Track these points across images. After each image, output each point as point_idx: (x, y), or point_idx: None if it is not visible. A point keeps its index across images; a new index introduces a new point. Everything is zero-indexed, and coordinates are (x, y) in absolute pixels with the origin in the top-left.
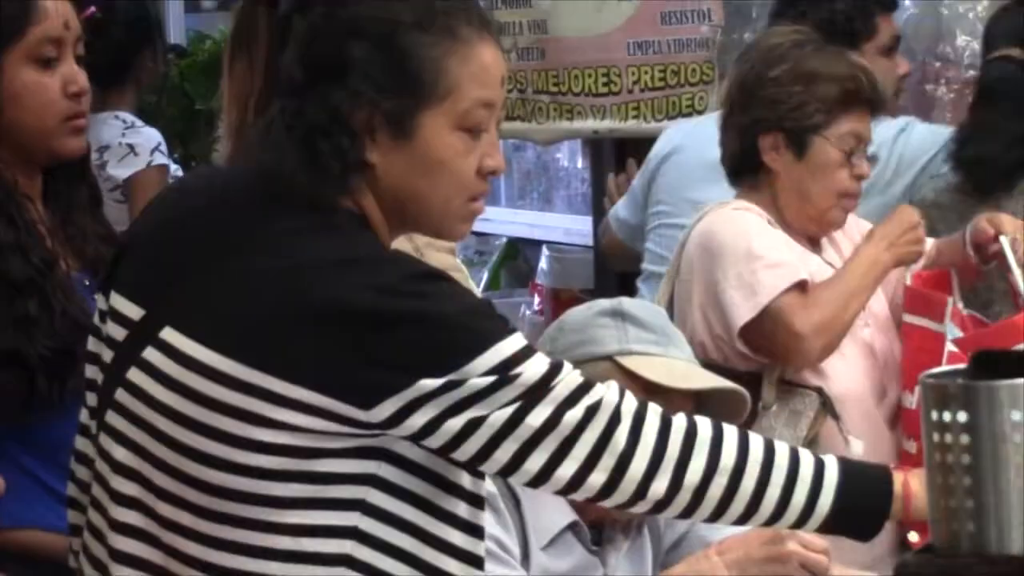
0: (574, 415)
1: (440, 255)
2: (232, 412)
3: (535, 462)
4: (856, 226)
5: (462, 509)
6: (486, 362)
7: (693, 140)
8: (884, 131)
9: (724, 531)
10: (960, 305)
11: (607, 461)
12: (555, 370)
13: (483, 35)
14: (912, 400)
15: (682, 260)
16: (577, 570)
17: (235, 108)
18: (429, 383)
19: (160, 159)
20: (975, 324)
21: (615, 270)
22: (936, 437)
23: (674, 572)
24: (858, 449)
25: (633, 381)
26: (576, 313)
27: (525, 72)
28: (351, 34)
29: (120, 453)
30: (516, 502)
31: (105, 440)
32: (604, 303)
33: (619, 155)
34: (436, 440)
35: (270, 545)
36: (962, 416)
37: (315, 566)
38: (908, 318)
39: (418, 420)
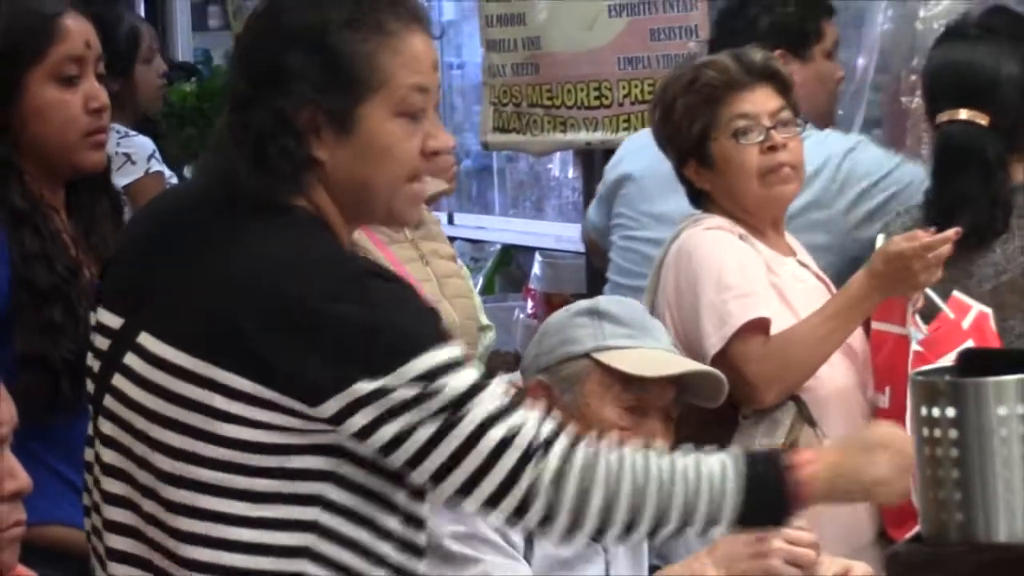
0: (494, 435)
1: (443, 262)
2: (195, 407)
3: (456, 478)
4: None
5: (400, 498)
6: (416, 368)
7: (651, 151)
8: (834, 145)
9: None
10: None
11: (522, 485)
12: (478, 388)
13: (411, 25)
14: (884, 400)
15: (660, 277)
16: (580, 558)
17: None
18: (364, 386)
19: (156, 166)
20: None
21: (599, 267)
22: (926, 432)
23: (669, 572)
24: None
25: (610, 374)
26: (556, 316)
27: (520, 86)
28: (285, 42)
29: (108, 455)
30: None
31: (97, 445)
32: (582, 304)
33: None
34: (372, 444)
35: (236, 538)
36: (950, 411)
37: (277, 558)
38: (876, 325)
39: (358, 421)
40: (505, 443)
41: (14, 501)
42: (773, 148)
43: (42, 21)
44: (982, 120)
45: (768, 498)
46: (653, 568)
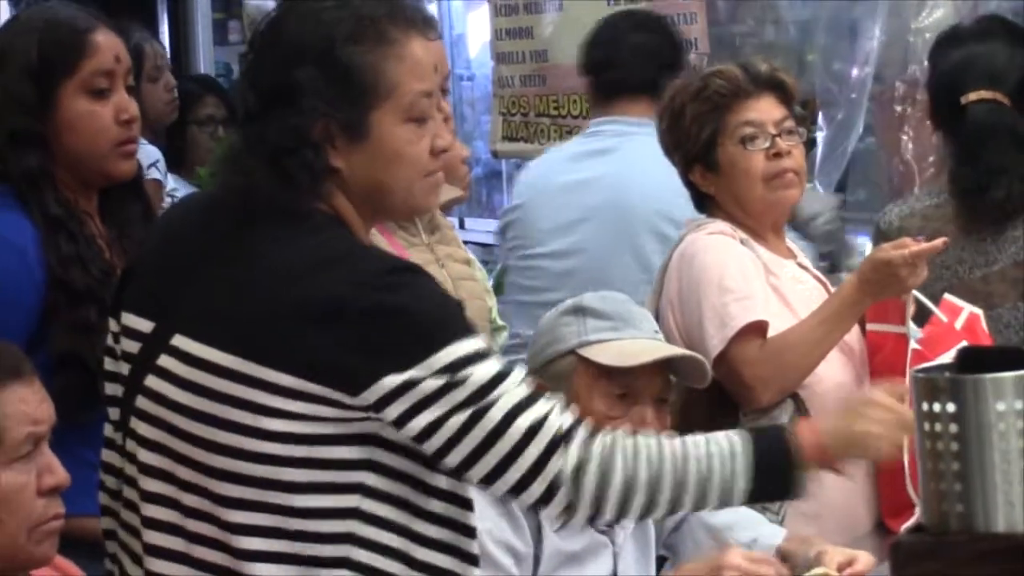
0: (521, 424)
1: (457, 265)
2: (239, 404)
3: (485, 465)
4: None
5: (443, 482)
6: (442, 359)
7: (536, 173)
8: None
9: (720, 515)
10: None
11: (548, 474)
12: (502, 376)
13: (410, 32)
14: None
15: (664, 279)
16: (588, 549)
17: None
18: (393, 379)
19: (155, 174)
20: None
21: None
22: (927, 426)
23: None
24: None
25: (595, 368)
26: (546, 316)
27: (528, 97)
28: (293, 58)
29: (144, 455)
30: None
31: (131, 445)
32: (568, 303)
33: None
34: (407, 433)
35: (282, 526)
36: (951, 407)
37: (322, 544)
38: (872, 326)
39: (393, 411)
40: (532, 432)
41: (52, 495)
42: (778, 154)
43: (74, 36)
44: (1005, 101)
45: (776, 470)
46: (661, 560)
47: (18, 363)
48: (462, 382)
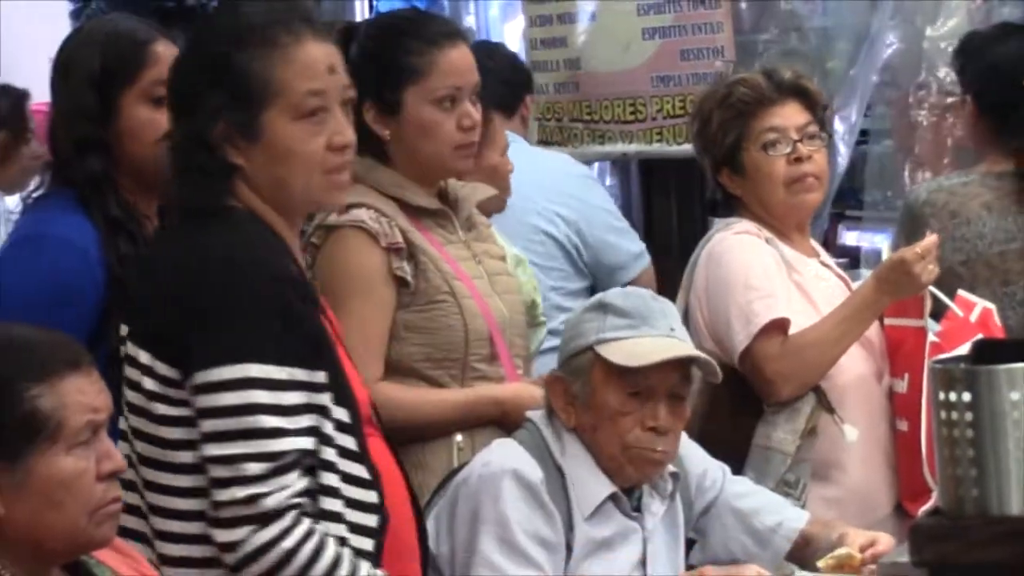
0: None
1: (493, 261)
2: (147, 393)
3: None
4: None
5: None
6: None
7: None
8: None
9: (746, 500)
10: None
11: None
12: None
13: (302, 36)
14: (903, 385)
15: (693, 277)
16: (618, 535)
17: None
18: (194, 378)
19: None
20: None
21: None
22: (943, 415)
23: None
24: (852, 436)
25: (609, 365)
26: (575, 311)
27: (562, 103)
28: (196, 70)
29: (125, 446)
30: (562, 478)
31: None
32: (595, 298)
33: (643, 174)
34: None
35: (174, 507)
36: (966, 396)
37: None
38: (889, 321)
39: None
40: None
41: (110, 480)
42: (799, 159)
43: (135, 47)
44: None
45: None
46: (691, 542)
47: (77, 355)
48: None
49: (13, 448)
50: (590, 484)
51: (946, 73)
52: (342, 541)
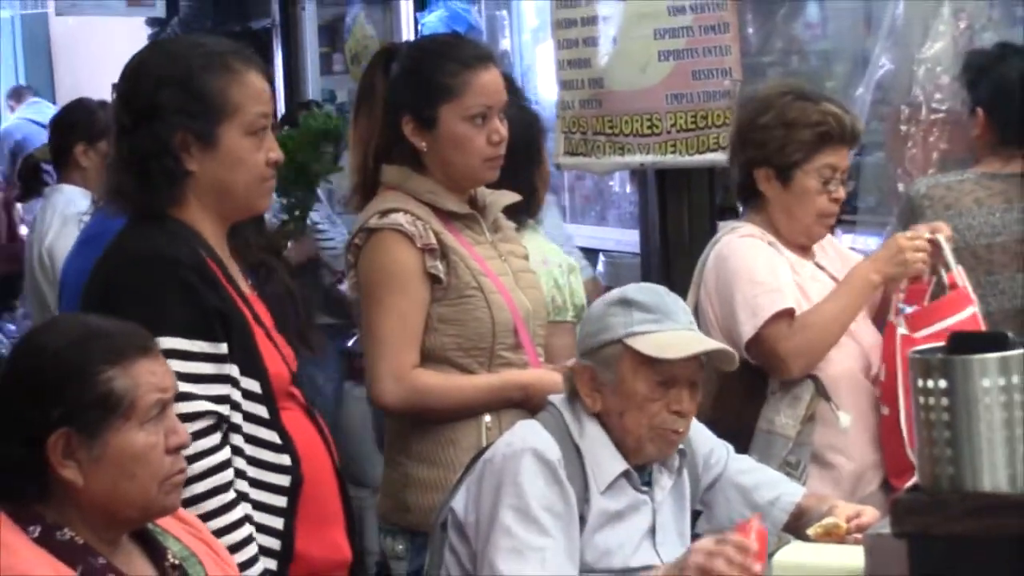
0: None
1: (517, 260)
2: None
3: None
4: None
5: None
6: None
7: None
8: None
9: (747, 476)
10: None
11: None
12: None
13: (250, 66)
14: (883, 374)
15: (704, 276)
16: (630, 507)
17: (358, 150)
18: None
19: None
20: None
21: None
22: (922, 400)
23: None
24: (846, 422)
25: (639, 356)
26: (595, 305)
27: (586, 118)
28: (158, 84)
29: None
30: (579, 456)
31: None
32: (615, 293)
33: (659, 182)
34: None
35: None
36: (943, 383)
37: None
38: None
39: None
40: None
41: (177, 453)
42: (836, 200)
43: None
44: None
45: None
46: (696, 513)
47: (146, 341)
48: None
49: (92, 425)
50: (605, 461)
51: (932, 91)
52: (244, 496)
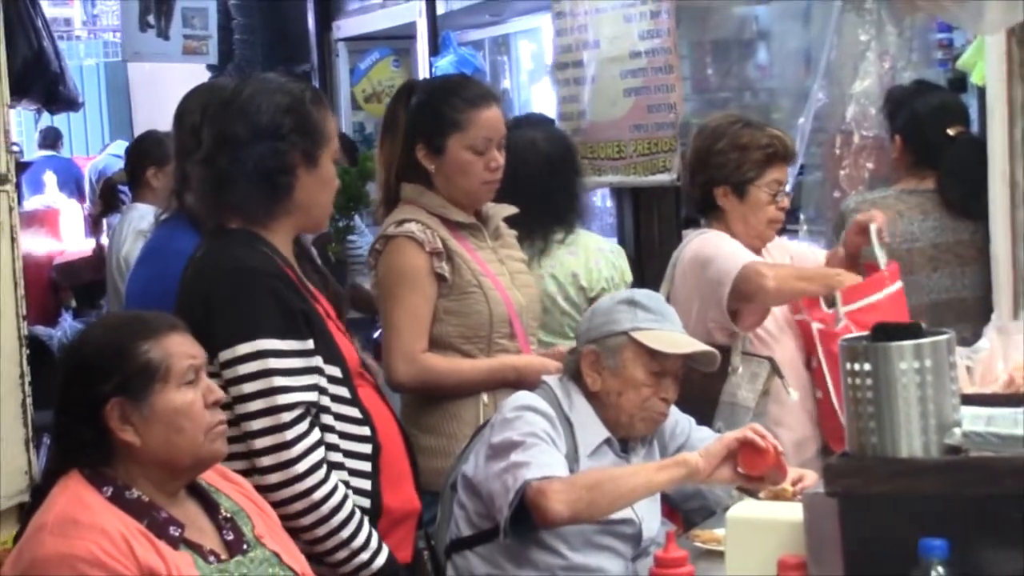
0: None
1: (515, 263)
2: None
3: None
4: (783, 245)
5: None
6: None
7: None
8: None
9: (708, 443)
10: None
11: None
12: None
13: (327, 105)
14: (814, 362)
15: (675, 272)
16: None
17: (383, 170)
18: (219, 356)
19: None
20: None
21: None
22: (850, 380)
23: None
24: (795, 396)
25: (642, 348)
26: (603, 302)
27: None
28: (282, 110)
29: None
30: (570, 425)
31: None
32: (623, 294)
33: (634, 198)
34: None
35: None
36: (867, 366)
37: None
38: (793, 316)
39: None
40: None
41: (215, 408)
42: (782, 208)
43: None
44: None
45: None
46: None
47: (174, 322)
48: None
49: (138, 391)
50: (591, 430)
51: (860, 120)
52: (340, 466)
